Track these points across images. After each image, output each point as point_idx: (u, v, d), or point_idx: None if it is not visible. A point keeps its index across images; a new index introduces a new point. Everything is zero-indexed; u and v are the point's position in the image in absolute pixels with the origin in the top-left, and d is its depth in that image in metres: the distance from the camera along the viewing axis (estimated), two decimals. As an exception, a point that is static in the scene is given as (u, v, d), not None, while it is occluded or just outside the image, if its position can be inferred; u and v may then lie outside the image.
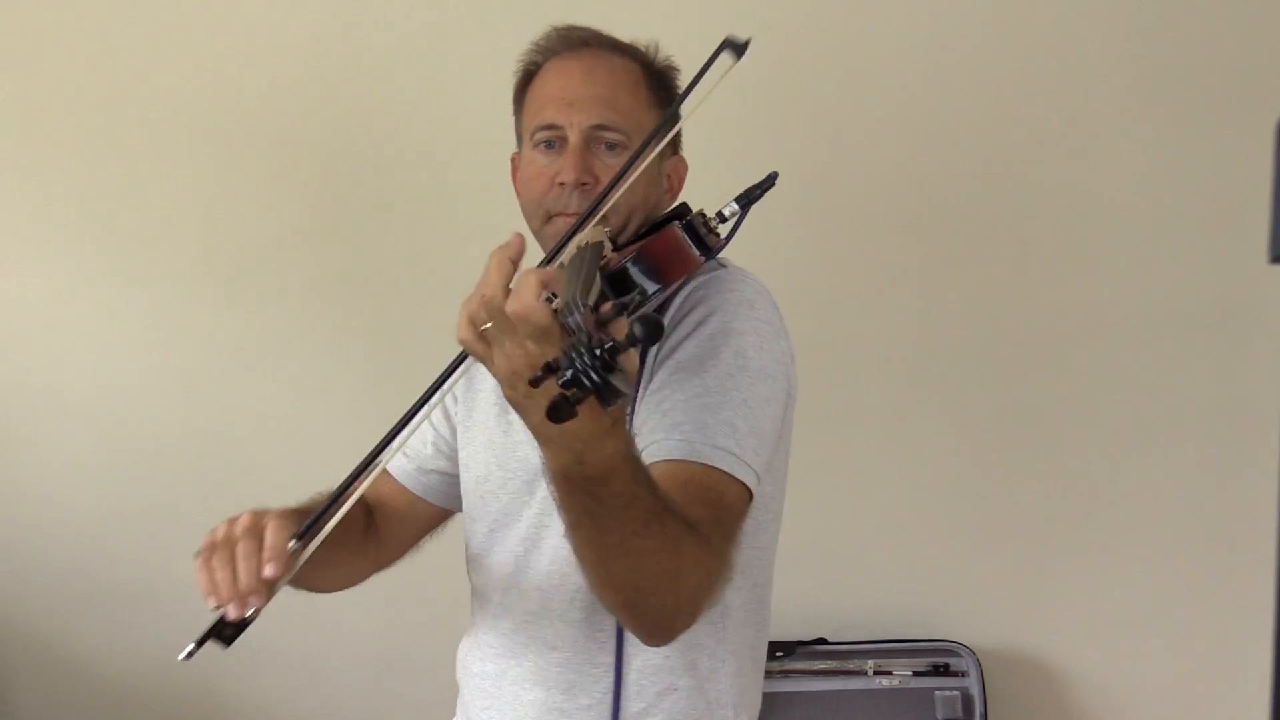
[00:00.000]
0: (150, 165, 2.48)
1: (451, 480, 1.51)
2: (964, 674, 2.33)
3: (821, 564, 2.45)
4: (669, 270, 1.09)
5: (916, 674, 2.33)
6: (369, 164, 2.46)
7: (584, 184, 1.31)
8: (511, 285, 0.94)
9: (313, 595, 1.56)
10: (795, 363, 1.33)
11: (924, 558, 2.44)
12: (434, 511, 1.54)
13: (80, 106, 2.47)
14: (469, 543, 1.46)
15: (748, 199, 1.23)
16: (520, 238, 1.00)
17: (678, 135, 1.41)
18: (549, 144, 1.35)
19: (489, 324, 0.95)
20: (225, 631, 1.07)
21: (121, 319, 2.50)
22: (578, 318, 0.87)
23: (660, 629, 1.16)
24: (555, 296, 0.92)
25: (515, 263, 0.97)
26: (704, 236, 1.21)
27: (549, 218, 1.35)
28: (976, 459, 2.42)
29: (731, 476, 1.17)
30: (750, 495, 1.20)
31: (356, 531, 1.50)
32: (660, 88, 1.39)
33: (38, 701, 2.54)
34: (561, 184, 1.32)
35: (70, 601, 2.52)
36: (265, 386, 2.49)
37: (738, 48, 1.22)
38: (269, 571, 1.08)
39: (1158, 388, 2.38)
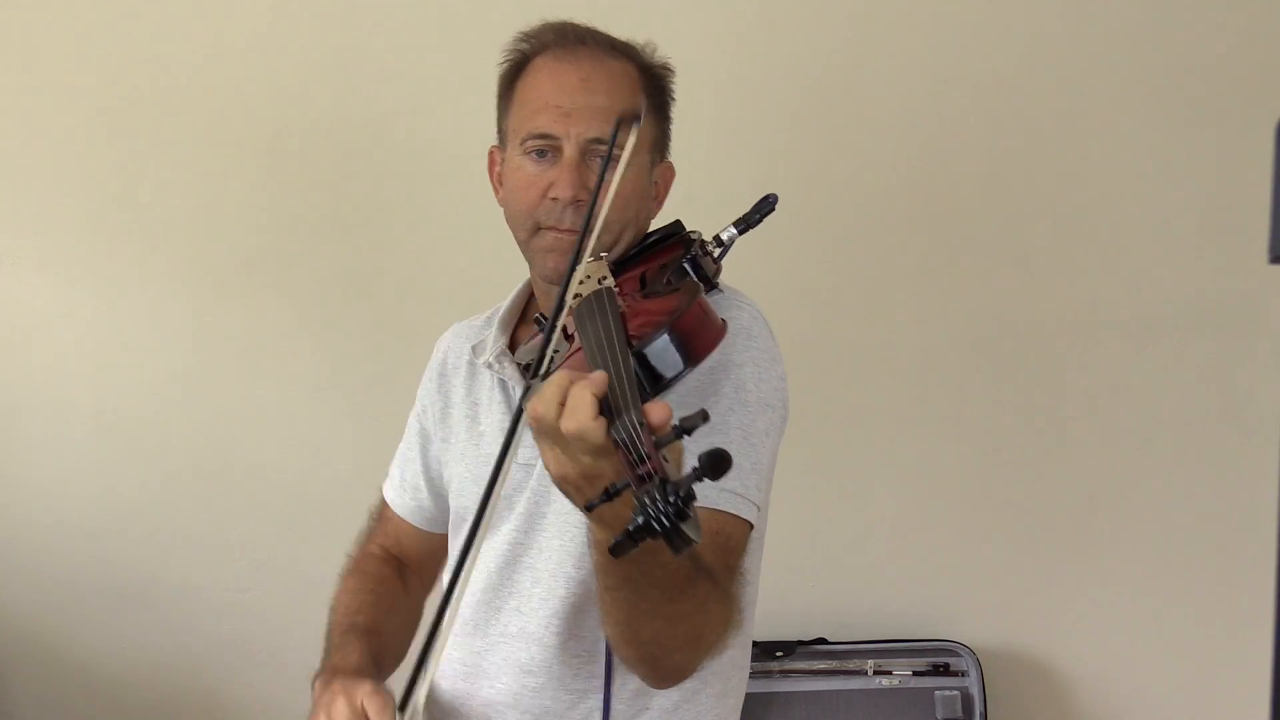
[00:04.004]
0: (150, 165, 2.47)
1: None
2: (964, 674, 2.33)
3: (821, 564, 2.45)
4: (697, 346, 1.04)
5: (916, 674, 2.33)
6: (369, 163, 2.46)
7: (580, 200, 1.26)
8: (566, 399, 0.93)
9: (311, 596, 1.57)
10: (787, 383, 1.30)
11: (924, 558, 2.44)
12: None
13: (80, 106, 2.47)
14: (450, 552, 1.44)
15: (746, 224, 1.24)
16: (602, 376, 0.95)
17: (666, 141, 1.37)
18: (541, 153, 1.29)
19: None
20: None
21: (121, 319, 2.49)
22: (634, 437, 0.87)
23: (673, 678, 1.17)
24: (609, 411, 0.91)
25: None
26: (708, 270, 1.21)
27: (538, 229, 1.31)
28: (976, 459, 2.42)
29: (739, 518, 1.17)
30: (751, 529, 1.19)
31: (407, 613, 1.50)
32: (655, 91, 1.34)
33: (38, 701, 2.54)
34: (555, 199, 1.28)
35: (70, 601, 2.51)
36: (265, 386, 2.49)
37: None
38: None
39: (1158, 388, 2.38)
